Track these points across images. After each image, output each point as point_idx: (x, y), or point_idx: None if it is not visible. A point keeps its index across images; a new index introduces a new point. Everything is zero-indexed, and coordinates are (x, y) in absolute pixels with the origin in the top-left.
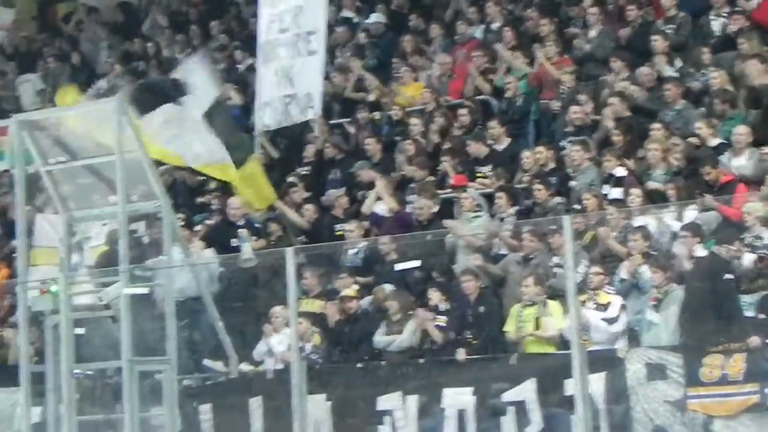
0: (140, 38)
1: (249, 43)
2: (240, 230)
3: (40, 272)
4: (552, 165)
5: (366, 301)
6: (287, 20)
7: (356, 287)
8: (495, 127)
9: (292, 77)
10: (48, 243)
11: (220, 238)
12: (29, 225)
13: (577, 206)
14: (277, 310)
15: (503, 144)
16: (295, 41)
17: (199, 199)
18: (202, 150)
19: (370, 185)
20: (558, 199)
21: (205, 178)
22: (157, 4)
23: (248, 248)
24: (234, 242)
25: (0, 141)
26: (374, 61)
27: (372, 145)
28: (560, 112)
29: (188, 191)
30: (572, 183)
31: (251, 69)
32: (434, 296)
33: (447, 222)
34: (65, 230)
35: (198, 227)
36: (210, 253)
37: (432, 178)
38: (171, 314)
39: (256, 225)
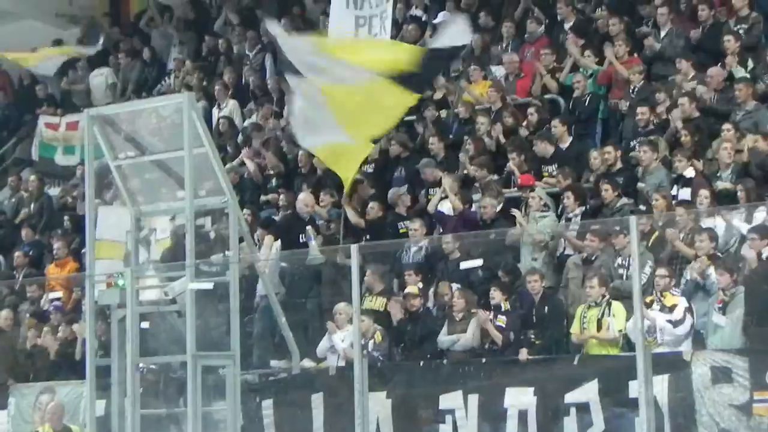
0: (211, 35)
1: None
2: (308, 228)
3: (102, 266)
4: (619, 165)
5: (429, 299)
6: (377, 25)
7: (419, 285)
8: (557, 125)
9: None
10: (110, 236)
11: (288, 234)
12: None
13: (642, 207)
14: (340, 307)
15: (566, 143)
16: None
17: (264, 197)
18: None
19: (435, 183)
20: (625, 200)
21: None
22: (229, 2)
23: (315, 246)
24: (302, 239)
25: (70, 135)
26: None
27: (436, 144)
28: (628, 111)
29: (254, 188)
30: (640, 184)
31: None
32: (496, 295)
33: (515, 211)
34: (133, 224)
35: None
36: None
37: (496, 177)
38: (235, 310)
39: (320, 222)
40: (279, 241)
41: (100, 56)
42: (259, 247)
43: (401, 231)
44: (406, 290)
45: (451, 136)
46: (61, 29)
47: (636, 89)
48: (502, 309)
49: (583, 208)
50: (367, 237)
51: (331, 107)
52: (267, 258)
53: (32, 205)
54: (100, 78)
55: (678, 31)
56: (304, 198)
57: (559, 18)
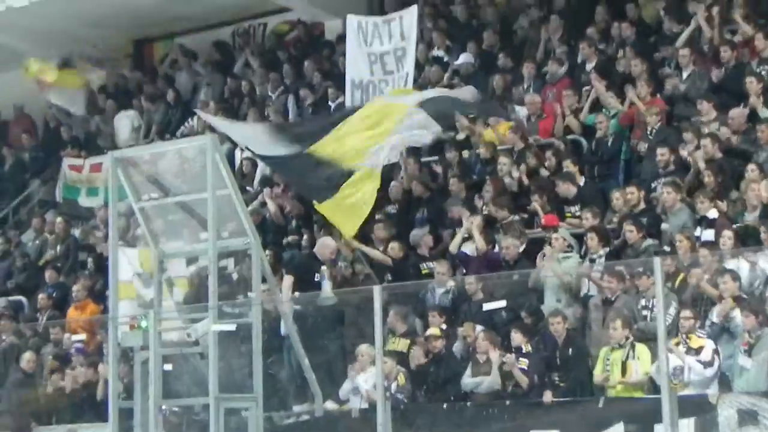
0: (234, 77)
1: (340, 81)
2: (322, 267)
3: (124, 306)
4: (642, 206)
5: (451, 341)
6: (391, 62)
7: (443, 326)
8: (569, 166)
9: None
10: (127, 277)
11: (306, 275)
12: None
13: (666, 248)
14: (363, 348)
15: (579, 182)
16: (400, 83)
17: (287, 239)
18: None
19: (458, 223)
20: (650, 242)
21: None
22: (250, 45)
23: (328, 287)
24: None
25: (94, 177)
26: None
27: (456, 185)
28: (648, 152)
29: (277, 229)
30: (664, 225)
31: (341, 106)
32: (517, 337)
33: (545, 249)
34: (156, 266)
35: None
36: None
37: (518, 217)
38: (258, 351)
39: (342, 263)
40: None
41: (125, 98)
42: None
43: (424, 272)
44: (428, 332)
45: (474, 177)
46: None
47: (654, 130)
48: (524, 351)
49: (607, 249)
50: (390, 278)
51: (323, 157)
52: (288, 299)
53: (57, 247)
54: (125, 120)
55: (701, 73)
56: (326, 242)
57: (580, 59)
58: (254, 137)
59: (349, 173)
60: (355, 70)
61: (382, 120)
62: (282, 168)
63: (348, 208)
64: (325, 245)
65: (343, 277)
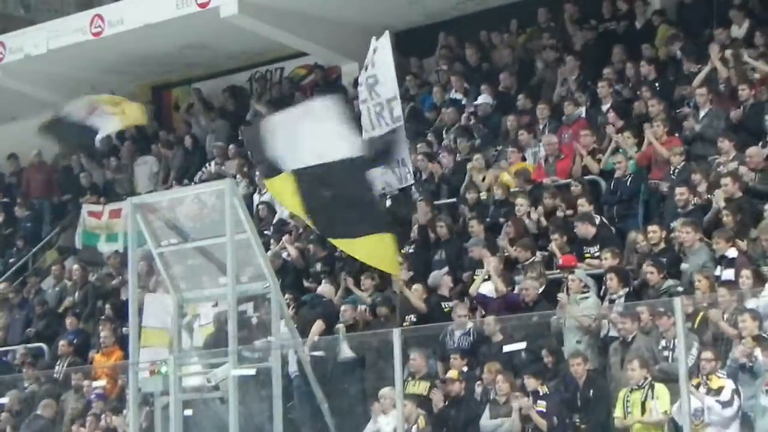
0: (245, 123)
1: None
2: (338, 326)
3: (149, 353)
4: (662, 246)
5: (471, 383)
6: (364, 92)
7: (463, 369)
8: (584, 205)
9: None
10: (157, 324)
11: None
12: (139, 306)
13: (679, 288)
14: (386, 391)
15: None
16: (379, 110)
17: (307, 282)
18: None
19: (478, 264)
20: (671, 282)
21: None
22: (262, 92)
23: (346, 347)
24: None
25: (113, 223)
26: (480, 141)
27: (476, 226)
28: (668, 192)
29: (296, 273)
30: (684, 265)
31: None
32: (530, 383)
33: (561, 296)
34: (176, 311)
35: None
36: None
37: (538, 258)
38: (278, 396)
39: (362, 306)
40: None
41: (143, 144)
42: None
43: (446, 310)
44: (447, 375)
45: (487, 219)
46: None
47: (677, 170)
48: (540, 394)
49: (627, 290)
50: (414, 319)
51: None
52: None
53: (76, 294)
54: (144, 166)
55: (717, 112)
56: (325, 289)
57: (597, 99)
58: (297, 142)
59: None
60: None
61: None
62: (315, 193)
63: (377, 248)
64: (324, 292)
65: (364, 321)
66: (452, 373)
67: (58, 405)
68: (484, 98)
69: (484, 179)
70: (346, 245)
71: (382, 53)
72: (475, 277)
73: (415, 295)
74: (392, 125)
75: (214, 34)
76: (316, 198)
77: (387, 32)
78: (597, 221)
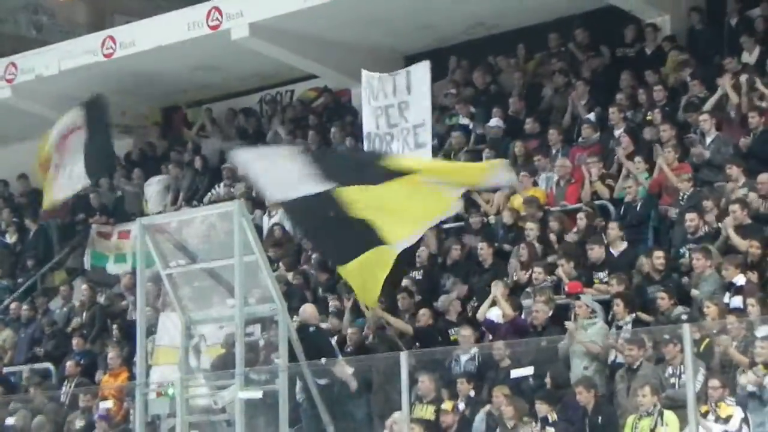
0: (261, 144)
1: (359, 137)
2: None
3: (160, 372)
4: (671, 272)
5: (476, 408)
6: (395, 114)
7: (469, 393)
8: (614, 229)
9: None
10: (170, 342)
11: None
12: (152, 324)
13: (685, 315)
14: (395, 416)
15: (619, 249)
16: (405, 135)
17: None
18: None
19: (483, 290)
20: (681, 309)
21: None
22: (278, 114)
23: (342, 364)
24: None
25: (122, 244)
26: None
27: (484, 250)
28: (678, 218)
29: (303, 295)
30: (694, 291)
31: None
32: (542, 408)
33: (568, 324)
34: (183, 332)
35: None
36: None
37: (548, 280)
38: (284, 419)
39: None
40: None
41: (152, 165)
42: None
43: (453, 338)
44: (442, 405)
45: (496, 244)
46: (114, 139)
47: (686, 196)
48: (550, 420)
49: (633, 316)
50: (417, 344)
51: (354, 212)
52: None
53: (84, 314)
54: (154, 187)
55: (725, 138)
56: (308, 309)
57: (609, 125)
58: (284, 176)
59: (379, 242)
60: (367, 123)
61: (428, 205)
62: (305, 219)
63: (369, 274)
64: (307, 312)
65: (369, 343)
66: (447, 405)
67: (66, 426)
68: (495, 122)
69: (489, 202)
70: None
71: (418, 79)
72: (479, 302)
73: (395, 319)
74: (414, 150)
75: (224, 56)
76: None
77: (428, 61)
78: (624, 246)
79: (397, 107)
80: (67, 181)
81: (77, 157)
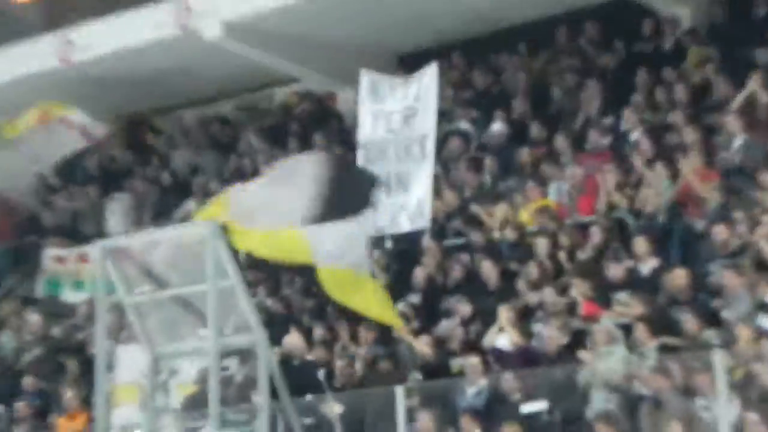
0: (236, 155)
1: (351, 143)
2: (319, 372)
3: (122, 413)
4: (699, 292)
5: None
6: (397, 120)
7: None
8: (641, 243)
9: (405, 182)
10: (131, 378)
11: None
12: (110, 360)
13: (715, 340)
14: None
15: (648, 265)
16: (408, 144)
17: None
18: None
19: (486, 314)
20: (711, 333)
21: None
22: (252, 122)
23: (330, 397)
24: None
25: (79, 269)
26: (492, 175)
27: (488, 270)
28: (706, 231)
29: (285, 324)
30: (725, 313)
31: None
32: None
33: (582, 354)
34: (150, 368)
35: None
36: None
37: (561, 302)
38: None
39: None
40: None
41: (114, 180)
42: None
43: (455, 370)
44: None
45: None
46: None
47: (714, 207)
48: None
49: (658, 341)
50: (417, 377)
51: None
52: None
53: (37, 349)
54: (115, 204)
55: (755, 142)
56: (292, 340)
57: (623, 128)
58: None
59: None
60: (365, 129)
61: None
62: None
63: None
64: (291, 343)
65: (362, 376)
66: None
67: None
68: (498, 126)
69: (492, 216)
70: (344, 295)
71: (425, 85)
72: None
73: (422, 342)
74: (421, 161)
75: (196, 59)
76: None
77: (435, 64)
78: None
79: (402, 114)
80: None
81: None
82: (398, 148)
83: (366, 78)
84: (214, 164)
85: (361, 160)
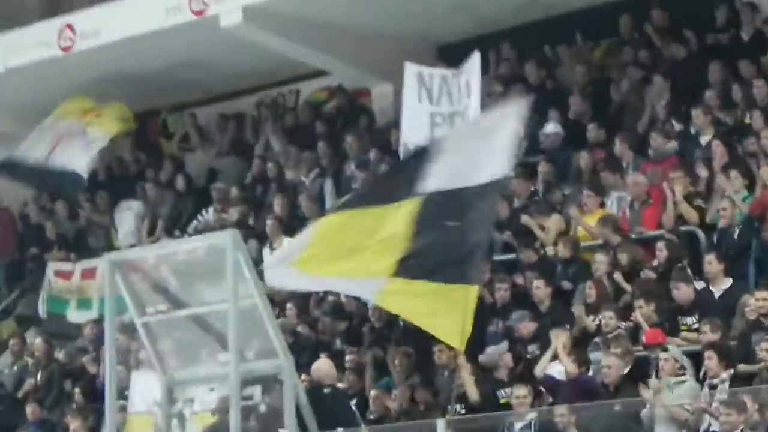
0: (259, 158)
1: (386, 145)
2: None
3: None
4: None
5: None
6: (444, 119)
7: None
8: (712, 262)
9: None
10: (146, 408)
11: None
12: (122, 387)
13: None
14: None
15: (721, 287)
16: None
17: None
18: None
19: (532, 339)
20: None
21: None
22: (274, 120)
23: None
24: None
25: (86, 285)
26: (547, 183)
27: (540, 289)
28: None
29: (313, 348)
30: None
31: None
32: None
33: (645, 385)
34: (164, 396)
35: None
36: None
37: (621, 329)
38: None
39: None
40: None
41: (124, 187)
42: None
43: (502, 401)
44: None
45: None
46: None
47: None
48: None
49: (732, 372)
50: (459, 410)
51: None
52: None
53: (39, 374)
54: (125, 213)
55: None
56: (322, 366)
57: (693, 131)
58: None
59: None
60: (412, 131)
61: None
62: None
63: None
64: (321, 370)
65: (399, 407)
66: None
67: None
68: (553, 127)
69: (545, 230)
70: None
71: (472, 77)
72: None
73: (472, 380)
74: None
75: (212, 49)
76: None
77: (477, 52)
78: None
79: (464, 116)
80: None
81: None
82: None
83: (411, 70)
84: (234, 168)
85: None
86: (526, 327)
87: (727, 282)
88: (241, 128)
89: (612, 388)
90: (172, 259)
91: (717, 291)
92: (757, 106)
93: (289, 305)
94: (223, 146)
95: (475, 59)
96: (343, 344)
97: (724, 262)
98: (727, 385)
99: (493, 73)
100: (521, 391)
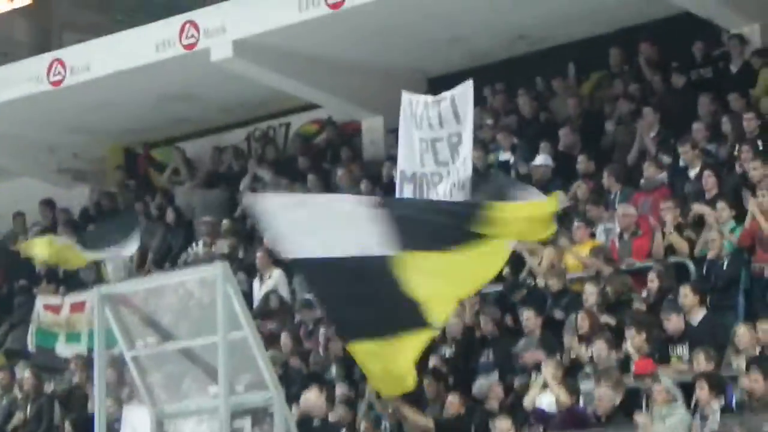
0: (250, 191)
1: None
2: None
3: None
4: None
5: None
6: (444, 152)
7: None
8: (687, 294)
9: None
10: None
11: None
12: (114, 420)
13: None
14: None
15: (697, 316)
16: (457, 174)
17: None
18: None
19: (533, 369)
20: None
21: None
22: (261, 153)
23: None
24: None
25: (75, 319)
26: None
27: (531, 320)
28: None
29: (303, 380)
30: None
31: None
32: None
33: (638, 418)
34: (154, 429)
35: None
36: None
37: (613, 358)
38: None
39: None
40: None
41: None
42: None
43: None
44: None
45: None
46: (63, 188)
47: None
48: None
49: (722, 402)
50: None
51: (402, 278)
52: None
53: (28, 408)
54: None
55: None
56: (312, 398)
57: (682, 163)
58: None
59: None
60: (406, 160)
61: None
62: (325, 281)
63: (392, 358)
64: (311, 401)
65: None
66: None
67: None
68: (543, 159)
69: (540, 263)
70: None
71: (463, 104)
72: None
73: (414, 412)
74: (459, 192)
75: (203, 83)
76: (333, 291)
77: (470, 81)
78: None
79: (447, 141)
80: None
81: None
82: (448, 181)
83: (405, 100)
84: (224, 201)
85: (407, 192)
86: (533, 356)
87: (701, 312)
88: (230, 161)
89: (603, 419)
90: (162, 292)
91: (693, 321)
92: (746, 139)
93: (283, 335)
94: (211, 179)
95: (467, 87)
96: (336, 376)
97: (699, 293)
98: (717, 415)
99: (484, 106)
100: (504, 423)
